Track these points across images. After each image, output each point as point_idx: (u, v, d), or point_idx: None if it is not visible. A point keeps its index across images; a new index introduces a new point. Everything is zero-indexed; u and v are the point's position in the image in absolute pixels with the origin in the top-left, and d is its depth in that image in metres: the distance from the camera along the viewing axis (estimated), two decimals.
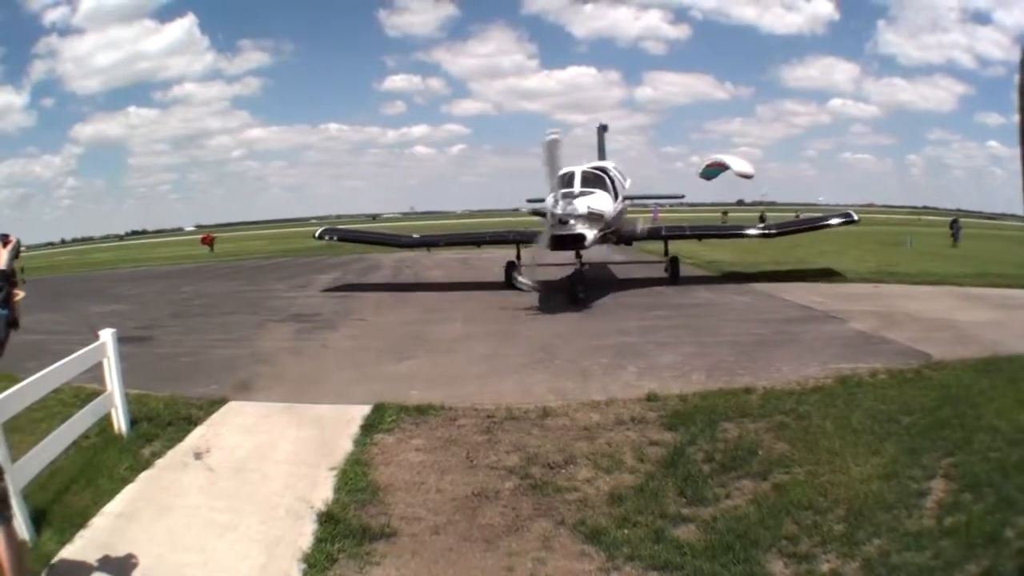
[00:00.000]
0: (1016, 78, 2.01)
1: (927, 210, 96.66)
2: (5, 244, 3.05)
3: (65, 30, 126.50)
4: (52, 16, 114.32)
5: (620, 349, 8.93)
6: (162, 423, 6.12)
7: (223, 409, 6.65)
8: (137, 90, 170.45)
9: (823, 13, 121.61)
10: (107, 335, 5.79)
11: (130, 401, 6.11)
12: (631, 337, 9.72)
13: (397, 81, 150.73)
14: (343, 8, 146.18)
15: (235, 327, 12.01)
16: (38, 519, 4.22)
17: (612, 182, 14.44)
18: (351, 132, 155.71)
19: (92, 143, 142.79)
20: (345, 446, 5.49)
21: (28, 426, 5.56)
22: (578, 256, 13.31)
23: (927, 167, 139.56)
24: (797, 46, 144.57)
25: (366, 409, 6.32)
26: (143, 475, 5.05)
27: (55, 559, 3.88)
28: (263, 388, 7.55)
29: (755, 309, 11.99)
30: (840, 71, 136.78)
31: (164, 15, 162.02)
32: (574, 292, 12.75)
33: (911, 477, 4.50)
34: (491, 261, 19.39)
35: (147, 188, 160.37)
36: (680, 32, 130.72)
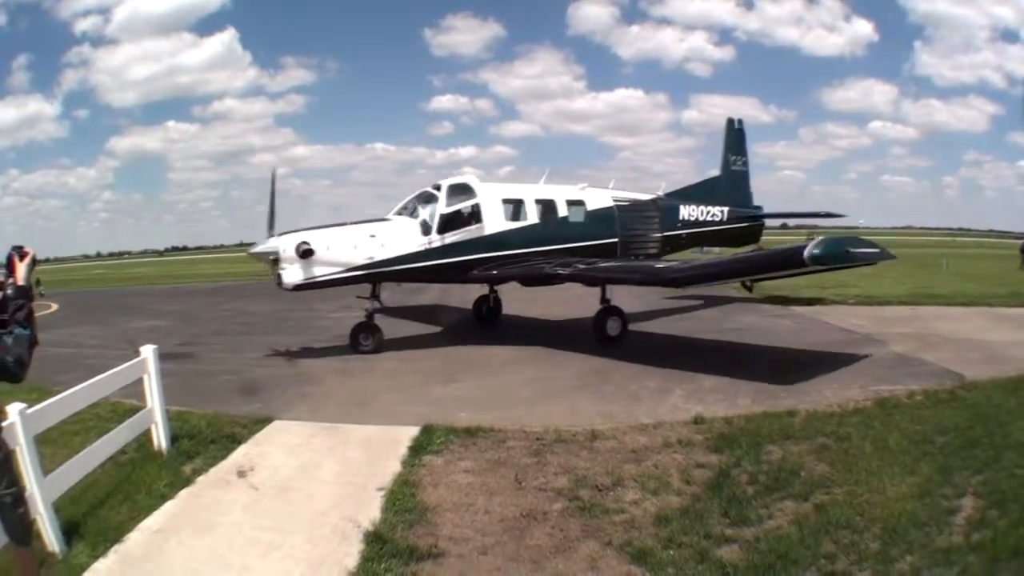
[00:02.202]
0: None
1: (962, 231, 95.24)
2: (22, 257, 2.77)
3: (98, 40, 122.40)
4: (83, 25, 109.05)
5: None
6: (204, 440, 6.14)
7: (268, 428, 6.66)
8: (176, 104, 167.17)
9: (863, 34, 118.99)
10: (148, 351, 5.88)
11: (171, 418, 6.15)
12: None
13: (444, 101, 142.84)
14: (387, 26, 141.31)
15: (279, 346, 11.84)
16: (70, 532, 4.23)
17: (446, 204, 11.09)
18: (398, 152, 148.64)
19: (129, 157, 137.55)
20: (393, 467, 5.49)
21: (60, 439, 5.63)
22: (374, 295, 11.31)
23: (961, 188, 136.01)
24: (838, 68, 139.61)
25: (414, 430, 6.34)
26: (183, 492, 5.04)
27: (86, 572, 3.90)
28: (309, 408, 7.55)
29: (798, 333, 12.06)
30: (879, 93, 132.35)
31: (203, 29, 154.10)
32: (356, 340, 11.02)
33: (943, 495, 4.60)
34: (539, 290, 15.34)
35: (188, 204, 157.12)
36: (725, 54, 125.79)
